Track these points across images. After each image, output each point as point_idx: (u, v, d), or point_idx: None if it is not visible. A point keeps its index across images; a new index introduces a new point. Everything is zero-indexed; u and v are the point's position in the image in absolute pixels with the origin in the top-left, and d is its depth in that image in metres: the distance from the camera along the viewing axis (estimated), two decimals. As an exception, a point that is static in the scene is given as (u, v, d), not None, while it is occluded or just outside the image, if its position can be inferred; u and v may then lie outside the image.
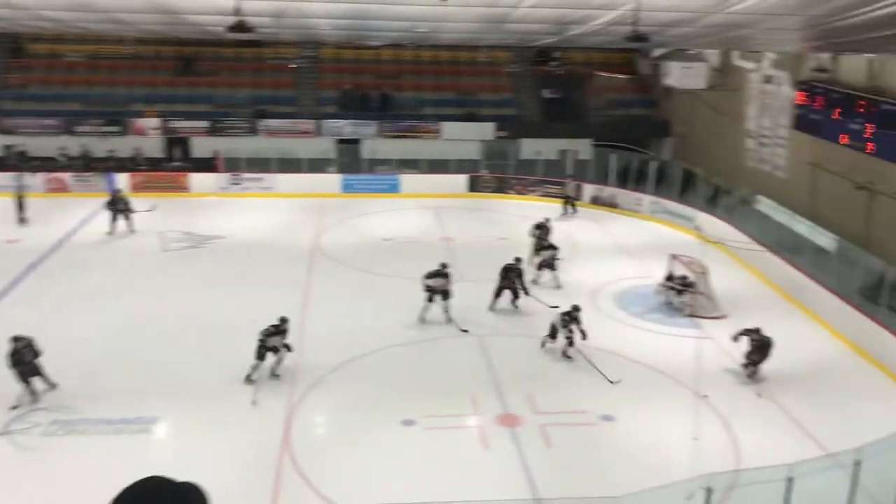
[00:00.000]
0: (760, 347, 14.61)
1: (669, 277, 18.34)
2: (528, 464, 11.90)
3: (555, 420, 13.12)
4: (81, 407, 13.02)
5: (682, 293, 17.84)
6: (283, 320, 14.28)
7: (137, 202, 23.67)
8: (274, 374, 14.21)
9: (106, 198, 23.42)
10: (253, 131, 29.90)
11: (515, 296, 17.72)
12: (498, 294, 17.68)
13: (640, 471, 11.52)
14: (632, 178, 26.97)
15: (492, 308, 17.58)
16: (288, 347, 14.24)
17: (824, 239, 18.46)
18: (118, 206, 22.88)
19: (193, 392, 13.76)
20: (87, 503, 9.21)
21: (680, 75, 24.98)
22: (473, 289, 18.86)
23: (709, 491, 9.14)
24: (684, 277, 17.94)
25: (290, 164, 28.36)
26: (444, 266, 17.06)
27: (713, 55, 25.37)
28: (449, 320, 16.73)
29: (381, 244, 22.68)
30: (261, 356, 13.98)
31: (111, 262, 20.64)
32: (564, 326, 15.31)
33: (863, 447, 10.03)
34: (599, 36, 14.53)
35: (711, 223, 22.75)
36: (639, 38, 10.77)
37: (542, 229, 21.18)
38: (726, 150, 27.07)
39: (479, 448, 12.38)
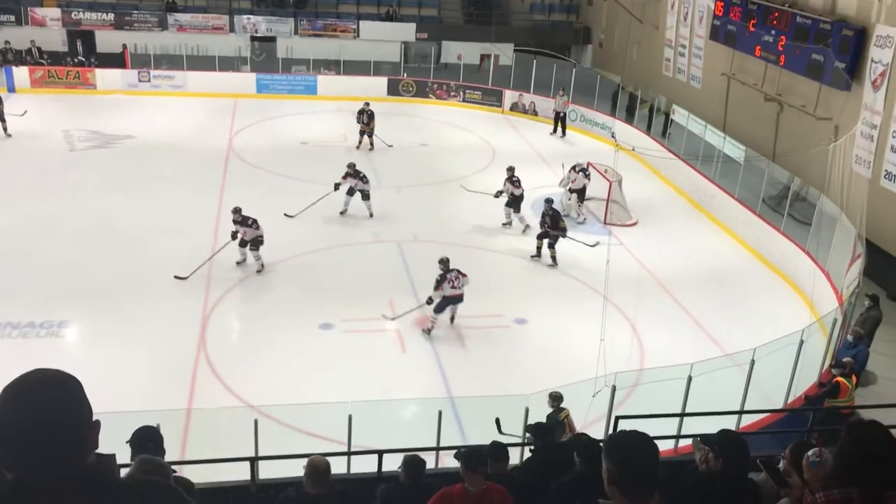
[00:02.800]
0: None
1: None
2: (443, 365, 12.22)
3: (470, 323, 13.42)
4: (-14, 311, 12.62)
5: (581, 202, 18.18)
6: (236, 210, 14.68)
7: (29, 103, 22.50)
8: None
9: None
10: (162, 25, 28.45)
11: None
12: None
13: (550, 371, 11.94)
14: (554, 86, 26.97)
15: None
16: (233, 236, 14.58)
17: (734, 149, 19.02)
18: None
19: (103, 295, 13.46)
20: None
21: (602, -19, 24.79)
22: (391, 195, 18.87)
23: (613, 389, 9.61)
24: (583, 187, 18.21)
25: (202, 62, 27.23)
26: (350, 166, 17.19)
27: (636, -39, 25.24)
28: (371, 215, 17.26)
29: (297, 148, 22.23)
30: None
31: (14, 162, 19.69)
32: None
33: (758, 348, 10.65)
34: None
35: (627, 132, 23.10)
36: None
37: (365, 114, 22.13)
38: (645, 58, 27.32)
39: (396, 350, 12.61)
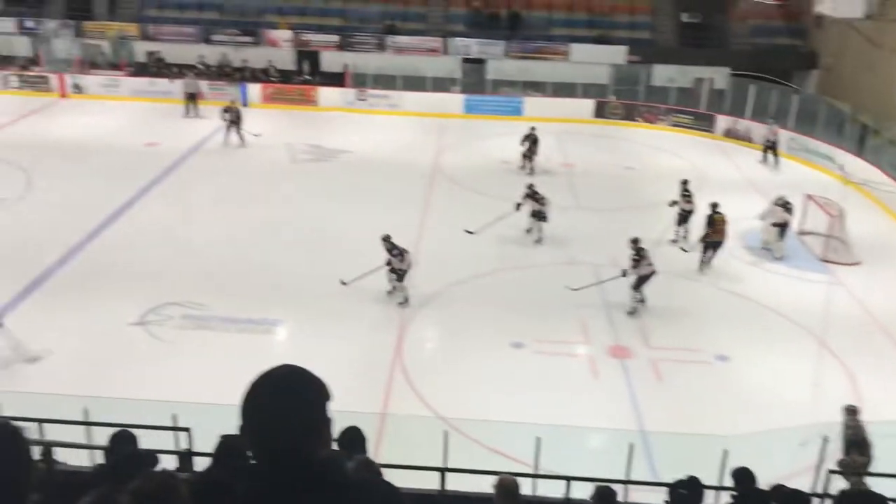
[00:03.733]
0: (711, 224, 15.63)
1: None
2: (636, 396, 11.81)
3: (667, 356, 12.90)
4: (211, 305, 13.77)
5: (781, 237, 16.92)
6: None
7: (259, 118, 24.42)
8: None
9: (223, 107, 23.79)
10: (381, 47, 29.96)
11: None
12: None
13: (751, 413, 11.24)
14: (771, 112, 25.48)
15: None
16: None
17: (982, 187, 17.00)
18: (229, 116, 23.24)
19: (315, 299, 14.28)
20: (211, 393, 9.84)
21: (835, 2, 23.10)
22: (593, 217, 18.66)
23: (825, 440, 8.81)
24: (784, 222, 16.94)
25: (415, 82, 28.32)
26: (529, 187, 17.15)
27: (874, -19, 23.33)
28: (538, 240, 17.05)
29: (499, 167, 22.49)
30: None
31: (242, 170, 21.43)
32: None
33: None
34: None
35: (855, 164, 21.32)
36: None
37: (529, 140, 21.61)
38: (879, 86, 25.13)
39: (587, 376, 12.36)
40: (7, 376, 11.41)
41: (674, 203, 17.28)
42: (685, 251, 16.55)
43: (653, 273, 14.01)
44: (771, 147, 23.51)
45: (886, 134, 21.74)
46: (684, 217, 17.19)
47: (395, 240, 14.06)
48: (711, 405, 11.67)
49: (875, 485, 7.30)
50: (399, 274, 14.05)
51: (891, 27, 24.29)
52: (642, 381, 12.21)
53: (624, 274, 14.01)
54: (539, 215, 16.98)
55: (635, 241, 14.13)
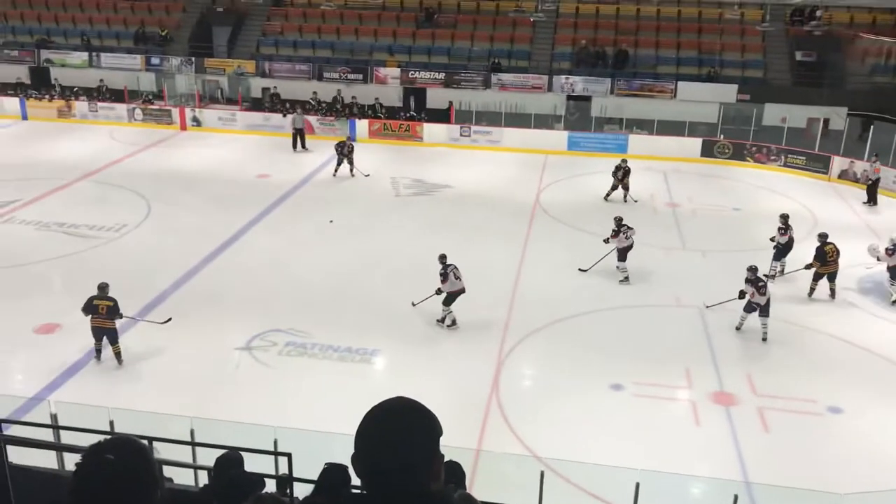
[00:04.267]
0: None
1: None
2: (740, 446, 11.33)
3: (775, 405, 12.35)
4: (313, 333, 14.10)
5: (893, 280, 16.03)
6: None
7: (366, 152, 25.19)
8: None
9: (338, 141, 24.66)
10: (486, 84, 30.32)
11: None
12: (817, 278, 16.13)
13: (867, 471, 10.62)
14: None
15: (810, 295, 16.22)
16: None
17: None
18: (342, 150, 24.04)
19: (413, 330, 14.44)
20: (310, 418, 10.05)
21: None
22: (697, 259, 18.24)
23: (951, 504, 8.23)
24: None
25: (518, 119, 28.50)
26: (617, 221, 16.89)
27: None
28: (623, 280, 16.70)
29: (600, 204, 22.26)
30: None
31: (347, 202, 21.97)
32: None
33: None
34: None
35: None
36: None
37: (621, 171, 22.21)
38: None
39: (689, 422, 11.95)
40: (119, 393, 11.97)
41: (773, 239, 17.19)
42: (767, 278, 15.97)
43: (769, 301, 14.23)
44: (870, 186, 22.60)
45: None
46: (781, 251, 16.99)
47: (450, 260, 14.59)
48: (823, 459, 11.09)
49: None
50: (446, 297, 14.37)
51: None
52: (748, 430, 11.71)
53: (741, 296, 14.31)
54: (619, 252, 16.72)
55: (753, 270, 14.37)
